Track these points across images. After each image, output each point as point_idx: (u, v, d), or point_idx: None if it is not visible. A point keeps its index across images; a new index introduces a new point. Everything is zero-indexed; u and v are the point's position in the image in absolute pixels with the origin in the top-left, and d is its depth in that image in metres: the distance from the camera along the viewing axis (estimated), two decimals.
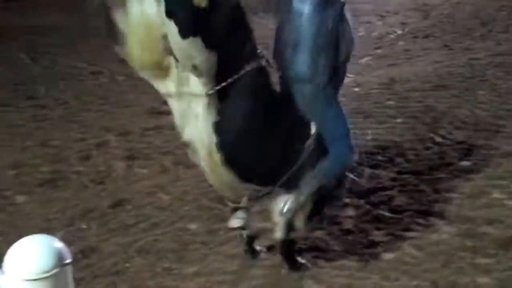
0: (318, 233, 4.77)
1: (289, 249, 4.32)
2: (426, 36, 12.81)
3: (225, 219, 5.01)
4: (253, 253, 4.58)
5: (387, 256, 4.58)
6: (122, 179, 5.85)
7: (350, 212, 5.11)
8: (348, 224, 4.93)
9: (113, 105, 8.07)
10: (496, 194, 5.36)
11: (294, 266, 4.38)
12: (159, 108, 7.92)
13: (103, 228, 4.97)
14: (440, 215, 4.98)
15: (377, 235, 4.77)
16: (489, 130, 6.39)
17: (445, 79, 9.08)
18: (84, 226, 5.01)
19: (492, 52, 11.15)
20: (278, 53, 3.72)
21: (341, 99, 7.71)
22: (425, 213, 5.06)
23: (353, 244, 4.70)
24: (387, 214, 5.08)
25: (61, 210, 5.28)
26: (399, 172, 5.83)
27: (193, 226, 4.96)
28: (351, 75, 9.56)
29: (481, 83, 8.32)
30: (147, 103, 8.10)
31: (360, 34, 13.14)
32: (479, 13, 15.89)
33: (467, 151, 6.35)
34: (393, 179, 5.68)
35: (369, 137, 6.73)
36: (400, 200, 5.31)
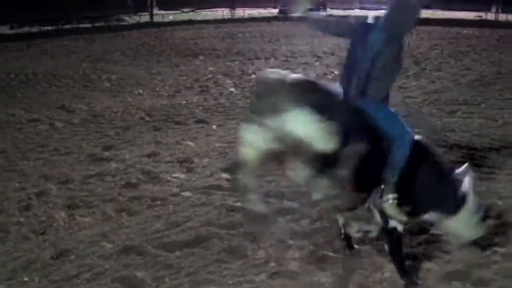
0: (262, 276, 4.79)
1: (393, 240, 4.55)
2: None
3: (171, 266, 5.00)
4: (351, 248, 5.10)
5: None
6: (64, 228, 5.74)
7: (295, 253, 5.15)
8: (293, 266, 4.96)
9: (52, 153, 7.96)
10: None
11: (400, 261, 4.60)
12: (101, 155, 7.89)
13: (46, 280, 4.85)
14: (383, 253, 5.06)
15: (322, 276, 4.81)
16: None
17: None
18: (26, 279, 4.88)
19: (426, 90, 11.54)
20: (348, 78, 4.45)
21: None
22: (370, 252, 5.13)
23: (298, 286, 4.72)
24: (331, 254, 5.13)
25: (1, 263, 5.13)
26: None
27: (139, 274, 4.90)
28: None
29: (416, 122, 8.52)
30: (88, 150, 8.05)
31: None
32: (413, 52, 16.46)
33: None
34: (332, 220, 5.76)
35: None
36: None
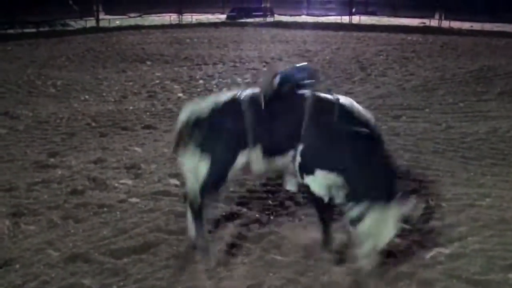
0: (211, 281, 4.79)
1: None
2: None
3: (119, 273, 4.95)
4: None
5: None
6: (9, 237, 5.62)
7: (244, 258, 5.17)
8: (241, 271, 4.97)
9: None
10: None
11: None
12: (46, 162, 7.75)
13: None
14: (330, 256, 5.13)
15: (271, 280, 4.83)
16: None
17: None
18: None
19: (371, 95, 11.73)
20: None
21: None
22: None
23: None
24: (279, 257, 5.16)
25: None
26: (288, 214, 5.97)
27: (86, 282, 4.83)
28: None
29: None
30: (32, 157, 7.89)
31: (246, 80, 13.47)
32: (358, 58, 16.73)
33: None
34: (281, 224, 5.81)
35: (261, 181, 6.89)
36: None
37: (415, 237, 5.40)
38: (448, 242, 5.36)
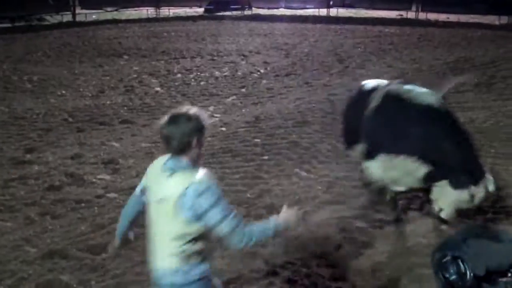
0: None
1: None
2: (288, 74, 13.33)
3: (97, 269, 4.93)
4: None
5: None
6: None
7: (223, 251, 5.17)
8: (220, 264, 4.98)
9: None
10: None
11: None
12: (22, 158, 7.69)
13: None
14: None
15: (251, 272, 4.84)
16: (350, 163, 6.67)
17: (307, 115, 9.48)
18: None
19: (349, 88, 11.74)
20: None
21: (209, 139, 7.87)
22: None
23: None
24: (258, 250, 5.17)
25: None
26: (266, 207, 5.97)
27: (64, 278, 4.81)
28: (217, 115, 9.78)
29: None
30: (9, 153, 7.83)
31: (225, 74, 13.46)
32: (336, 51, 16.76)
33: (329, 183, 6.65)
34: (260, 216, 5.81)
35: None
36: None
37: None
38: None
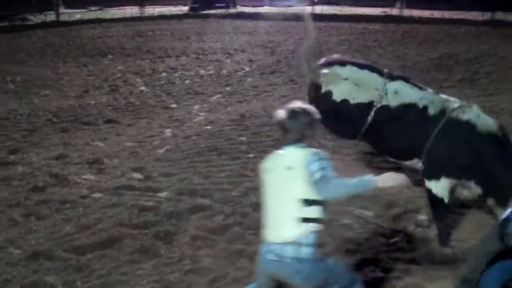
0: (176, 274, 4.77)
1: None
2: (273, 72, 13.32)
3: (82, 269, 4.90)
4: None
5: None
6: None
7: (209, 250, 5.17)
8: (206, 262, 4.98)
9: None
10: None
11: None
12: (6, 159, 7.64)
13: None
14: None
15: (235, 270, 4.84)
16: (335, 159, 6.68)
17: None
18: None
19: None
20: None
21: (194, 137, 7.87)
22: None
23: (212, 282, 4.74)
24: (243, 247, 5.17)
25: None
26: (251, 205, 5.96)
27: (49, 279, 4.78)
28: (202, 114, 9.77)
29: None
30: None
31: (210, 72, 13.43)
32: (321, 47, 16.76)
33: None
34: (246, 214, 5.82)
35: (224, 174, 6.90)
36: None
37: None
38: None
